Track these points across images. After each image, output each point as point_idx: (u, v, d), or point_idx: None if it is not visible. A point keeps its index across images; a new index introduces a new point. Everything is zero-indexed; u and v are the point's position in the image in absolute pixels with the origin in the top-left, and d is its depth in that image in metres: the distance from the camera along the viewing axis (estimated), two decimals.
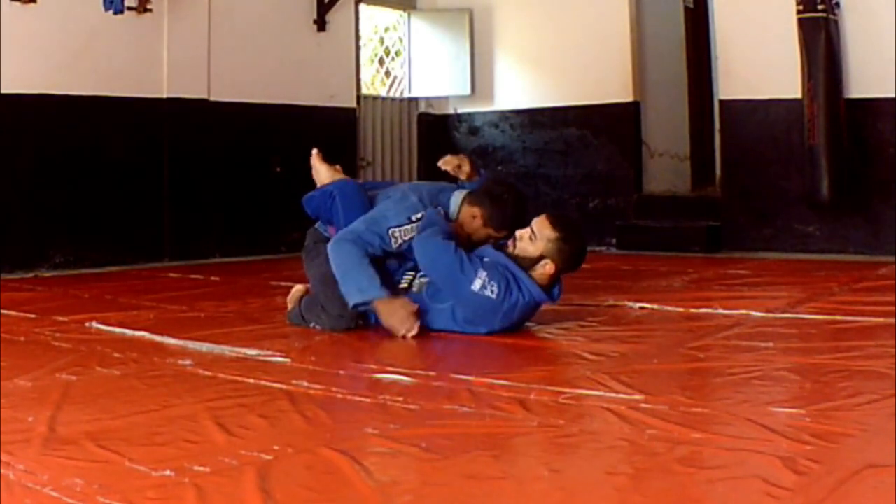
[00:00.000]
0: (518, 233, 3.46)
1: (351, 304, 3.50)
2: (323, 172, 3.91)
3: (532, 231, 3.41)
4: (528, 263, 3.39)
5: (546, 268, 3.38)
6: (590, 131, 7.87)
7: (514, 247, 3.43)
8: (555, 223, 3.43)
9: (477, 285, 3.31)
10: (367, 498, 1.73)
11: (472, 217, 3.64)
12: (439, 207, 3.64)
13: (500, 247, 3.52)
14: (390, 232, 3.55)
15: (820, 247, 6.47)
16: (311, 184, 3.94)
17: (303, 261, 3.92)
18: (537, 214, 3.55)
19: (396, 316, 3.44)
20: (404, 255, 3.62)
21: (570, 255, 3.43)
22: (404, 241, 3.56)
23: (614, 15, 7.65)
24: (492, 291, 3.30)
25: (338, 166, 3.93)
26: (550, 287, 3.46)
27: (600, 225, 7.52)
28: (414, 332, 3.41)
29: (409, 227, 3.57)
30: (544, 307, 3.60)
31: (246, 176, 7.12)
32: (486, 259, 3.43)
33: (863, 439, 2.02)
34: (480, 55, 8.43)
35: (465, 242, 3.55)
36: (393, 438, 2.10)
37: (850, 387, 2.50)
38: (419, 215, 3.58)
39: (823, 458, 1.87)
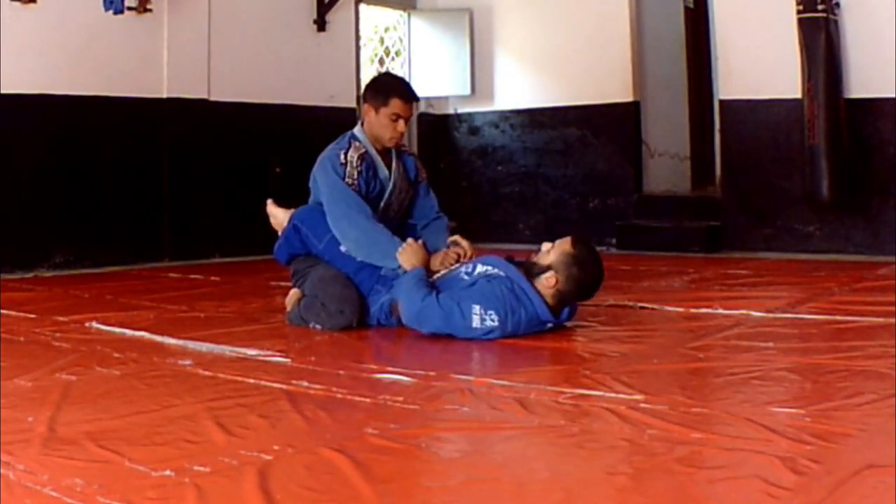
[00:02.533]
0: (544, 244, 3.45)
1: (389, 266, 3.61)
2: (280, 216, 3.97)
3: (554, 244, 3.41)
4: (536, 271, 3.37)
5: (549, 280, 3.33)
6: (590, 131, 7.87)
7: (536, 255, 3.43)
8: (576, 242, 3.40)
9: (476, 322, 3.27)
10: (367, 498, 1.73)
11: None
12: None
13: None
14: (349, 182, 3.65)
15: (820, 247, 6.47)
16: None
17: (293, 284, 3.93)
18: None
19: (416, 256, 3.55)
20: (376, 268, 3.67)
21: (576, 277, 3.34)
22: (356, 180, 3.68)
23: (614, 15, 7.65)
24: (492, 320, 3.27)
25: (293, 209, 3.96)
26: (557, 307, 3.41)
27: (600, 225, 7.51)
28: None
29: (348, 168, 3.68)
30: None
31: (246, 176, 7.11)
32: (481, 273, 3.41)
33: (863, 439, 2.02)
34: (480, 55, 8.43)
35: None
36: (393, 438, 2.10)
37: (850, 387, 2.50)
38: (341, 154, 3.70)
39: (823, 458, 1.87)
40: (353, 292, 3.64)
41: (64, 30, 6.13)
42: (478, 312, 3.27)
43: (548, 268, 3.35)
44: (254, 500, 1.72)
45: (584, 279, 3.38)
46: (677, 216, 7.34)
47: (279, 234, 3.96)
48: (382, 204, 3.83)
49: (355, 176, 3.69)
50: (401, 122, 3.77)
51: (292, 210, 3.96)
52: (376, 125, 3.79)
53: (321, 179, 3.76)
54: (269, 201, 4.08)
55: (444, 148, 8.63)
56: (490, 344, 3.28)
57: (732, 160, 7.01)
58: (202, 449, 2.03)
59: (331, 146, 3.84)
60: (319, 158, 3.83)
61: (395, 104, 3.76)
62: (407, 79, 8.36)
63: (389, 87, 3.83)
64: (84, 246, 6.31)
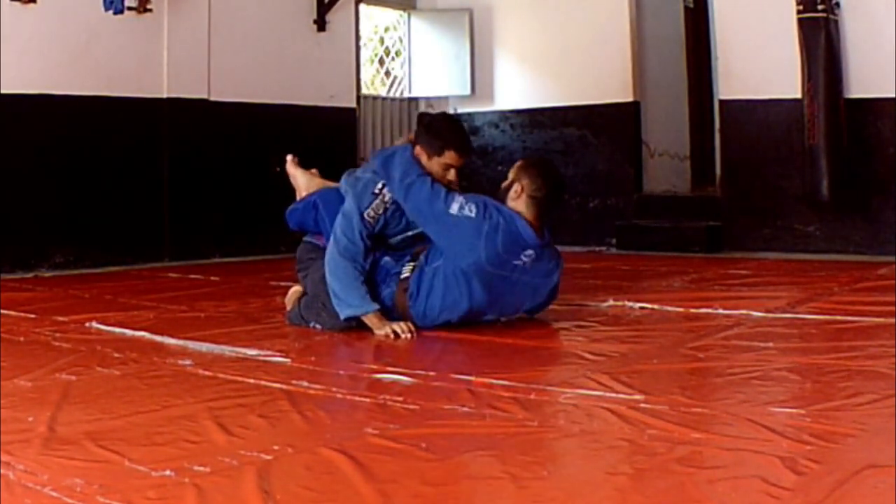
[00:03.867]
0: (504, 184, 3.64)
1: (343, 316, 3.49)
2: (300, 178, 3.95)
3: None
4: (504, 194, 3.58)
5: (516, 191, 3.54)
6: (590, 131, 7.87)
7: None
8: (526, 157, 3.76)
9: (455, 208, 3.46)
10: (367, 498, 1.73)
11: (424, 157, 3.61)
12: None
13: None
14: (366, 216, 3.55)
15: (820, 247, 6.47)
16: None
17: (297, 272, 3.91)
18: None
19: (386, 327, 3.44)
20: (399, 247, 3.65)
21: (539, 175, 3.56)
22: (380, 215, 3.59)
23: (614, 15, 7.65)
24: (470, 210, 3.46)
25: (314, 170, 3.92)
26: (538, 224, 3.52)
27: (600, 225, 7.52)
28: (406, 335, 3.41)
29: (377, 201, 3.58)
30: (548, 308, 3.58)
31: (246, 176, 7.11)
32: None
33: (863, 439, 2.02)
34: (480, 55, 8.43)
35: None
36: (393, 438, 2.10)
37: (850, 387, 2.50)
38: (379, 186, 3.60)
39: (823, 458, 1.87)
40: None
41: (64, 30, 6.13)
42: (459, 201, 3.47)
43: (511, 183, 3.57)
44: (254, 500, 1.72)
45: (546, 175, 3.62)
46: (677, 216, 7.34)
47: (297, 195, 3.93)
48: (411, 234, 3.72)
49: (380, 211, 3.58)
50: (452, 172, 3.65)
51: (313, 173, 3.93)
52: (426, 170, 3.63)
53: (350, 195, 3.62)
54: (290, 157, 4.02)
55: None
56: (490, 344, 3.29)
57: (732, 160, 7.01)
58: (202, 449, 2.03)
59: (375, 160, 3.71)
60: (360, 173, 3.71)
61: (450, 156, 3.62)
62: (407, 79, 8.44)
63: (446, 138, 3.64)
64: (84, 246, 6.31)
